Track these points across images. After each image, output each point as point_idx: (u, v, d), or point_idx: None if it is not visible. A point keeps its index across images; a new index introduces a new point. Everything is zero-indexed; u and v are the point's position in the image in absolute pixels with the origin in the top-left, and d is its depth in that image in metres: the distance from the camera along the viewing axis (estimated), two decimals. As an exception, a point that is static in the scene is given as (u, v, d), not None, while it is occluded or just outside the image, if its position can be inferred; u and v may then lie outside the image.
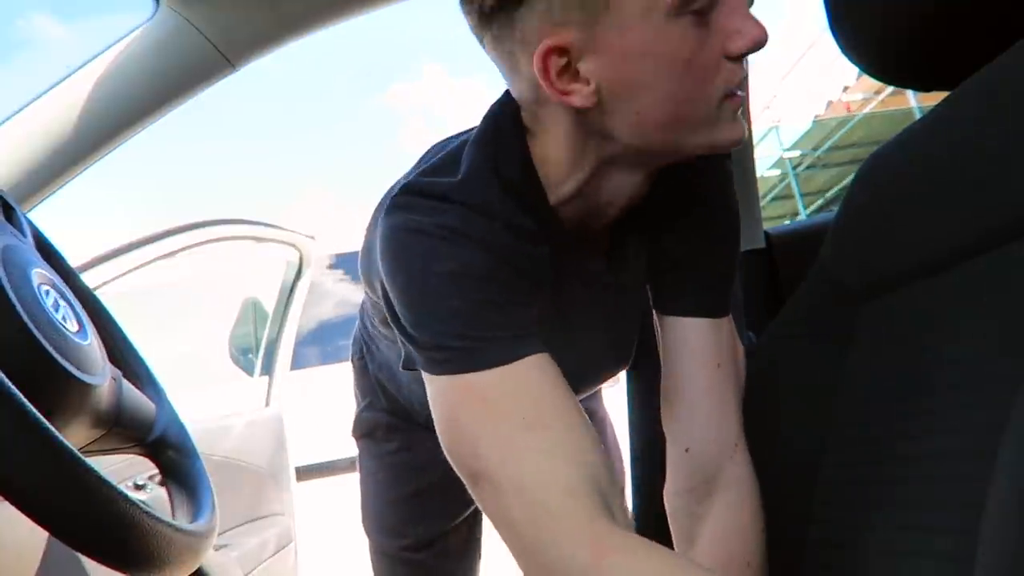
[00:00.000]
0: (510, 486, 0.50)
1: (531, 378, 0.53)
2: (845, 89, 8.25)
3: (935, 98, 0.55)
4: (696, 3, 0.47)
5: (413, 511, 0.93)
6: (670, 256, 0.67)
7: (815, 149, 9.15)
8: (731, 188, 0.68)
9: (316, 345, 4.52)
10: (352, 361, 0.98)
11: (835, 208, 0.68)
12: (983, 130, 0.46)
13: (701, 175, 0.64)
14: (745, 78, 0.99)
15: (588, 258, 0.64)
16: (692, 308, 0.66)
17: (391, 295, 0.56)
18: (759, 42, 0.48)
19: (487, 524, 1.08)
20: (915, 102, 7.41)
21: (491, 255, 0.54)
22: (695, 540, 0.67)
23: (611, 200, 0.59)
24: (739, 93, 0.51)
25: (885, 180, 0.58)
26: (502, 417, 0.52)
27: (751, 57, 1.01)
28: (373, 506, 0.96)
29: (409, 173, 0.61)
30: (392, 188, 0.61)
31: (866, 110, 8.20)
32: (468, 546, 1.01)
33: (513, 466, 0.50)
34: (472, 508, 0.97)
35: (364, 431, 0.97)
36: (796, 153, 9.51)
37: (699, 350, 0.65)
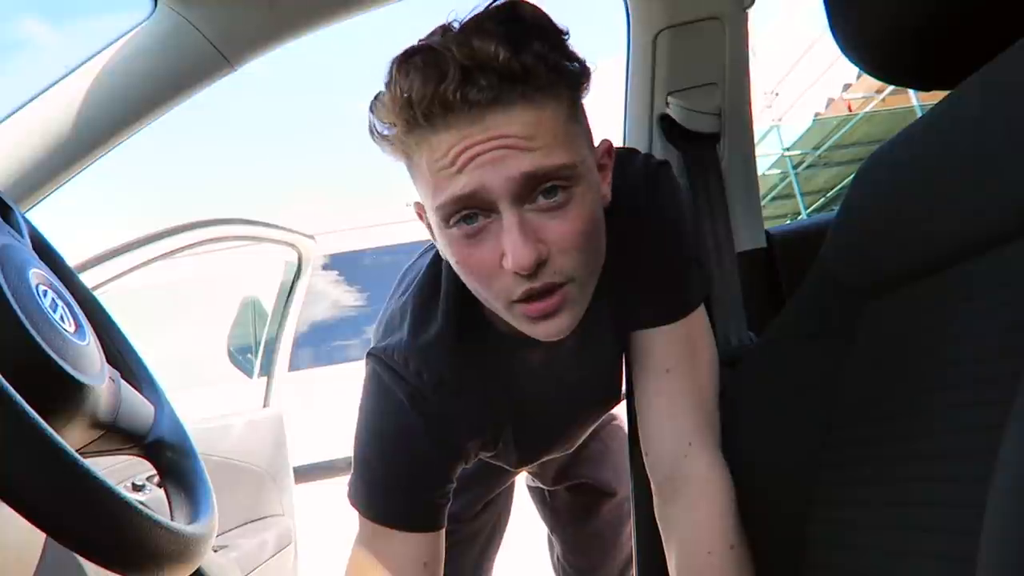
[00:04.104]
0: None
1: (396, 550, 0.66)
2: (846, 87, 8.23)
3: (937, 96, 0.55)
4: (459, 228, 0.54)
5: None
6: (631, 291, 0.71)
7: (816, 148, 9.14)
8: (662, 200, 0.69)
9: (310, 347, 4.51)
10: None
11: (836, 207, 0.68)
12: (983, 129, 0.46)
13: (629, 207, 0.67)
14: (746, 80, 0.99)
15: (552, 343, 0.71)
16: (639, 323, 0.70)
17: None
18: (519, 266, 0.52)
19: (520, 518, 1.19)
20: (916, 100, 7.40)
21: (426, 423, 0.66)
22: (668, 541, 0.69)
23: None
24: (536, 302, 0.55)
25: (886, 179, 0.57)
26: (365, 565, 0.66)
27: (752, 56, 1.00)
28: None
29: (389, 301, 0.74)
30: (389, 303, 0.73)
31: (867, 109, 8.19)
32: (492, 532, 1.15)
33: None
34: (500, 492, 1.12)
35: None
36: (797, 152, 9.50)
37: (647, 358, 0.70)
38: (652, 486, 0.71)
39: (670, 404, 0.69)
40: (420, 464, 0.67)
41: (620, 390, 0.88)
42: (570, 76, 0.55)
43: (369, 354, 0.69)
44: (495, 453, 0.78)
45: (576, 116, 0.57)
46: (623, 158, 0.70)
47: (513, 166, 0.51)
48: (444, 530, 0.70)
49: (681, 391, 0.68)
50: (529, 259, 0.52)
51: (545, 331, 0.57)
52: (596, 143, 0.62)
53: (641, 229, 0.67)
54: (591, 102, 0.60)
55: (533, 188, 0.53)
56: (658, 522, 0.71)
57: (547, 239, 0.53)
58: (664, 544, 0.70)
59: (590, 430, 0.97)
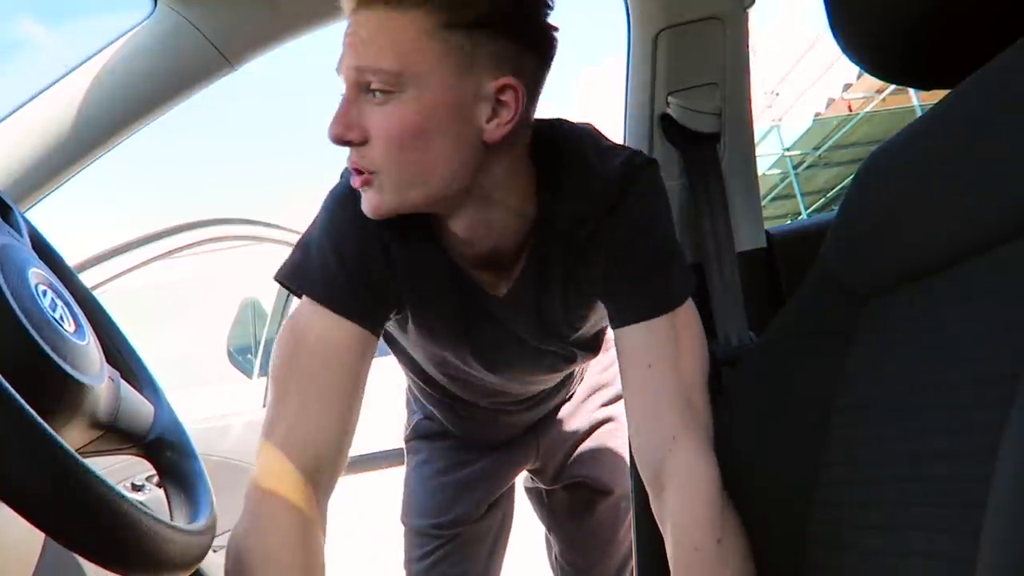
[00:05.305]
0: (272, 403, 0.67)
1: (333, 336, 0.66)
2: (846, 87, 8.23)
3: (937, 96, 0.55)
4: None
5: (459, 490, 1.08)
6: (594, 280, 0.72)
7: (816, 148, 9.14)
8: (639, 197, 0.70)
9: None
10: (410, 390, 1.13)
11: (836, 207, 0.68)
12: (983, 129, 0.46)
13: (602, 196, 0.69)
14: (746, 80, 1.00)
15: (492, 283, 0.73)
16: (620, 319, 0.71)
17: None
18: (329, 135, 0.60)
19: (518, 518, 1.20)
20: (916, 100, 7.39)
21: (380, 245, 0.68)
22: (665, 535, 0.69)
23: (476, 235, 0.67)
24: (363, 173, 0.61)
25: (885, 179, 0.57)
26: (299, 345, 0.67)
27: (752, 56, 1.00)
28: (425, 489, 1.10)
29: None
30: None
31: (867, 109, 8.19)
32: (498, 533, 1.17)
33: (278, 390, 0.67)
34: (503, 493, 1.14)
35: (423, 434, 1.13)
36: (797, 152, 9.50)
37: (630, 354, 0.71)
38: (643, 482, 0.71)
39: (654, 399, 0.69)
40: (363, 255, 0.68)
41: (575, 355, 0.88)
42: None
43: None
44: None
45: (441, 36, 0.58)
46: (608, 151, 0.71)
47: (350, 59, 0.59)
48: (377, 343, 0.70)
49: (664, 386, 0.69)
50: (333, 133, 0.60)
51: (366, 204, 0.63)
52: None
53: (617, 226, 0.69)
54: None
55: (366, 82, 0.59)
56: (656, 518, 0.71)
57: (366, 128, 0.60)
58: (664, 539, 0.70)
59: (540, 388, 0.98)
